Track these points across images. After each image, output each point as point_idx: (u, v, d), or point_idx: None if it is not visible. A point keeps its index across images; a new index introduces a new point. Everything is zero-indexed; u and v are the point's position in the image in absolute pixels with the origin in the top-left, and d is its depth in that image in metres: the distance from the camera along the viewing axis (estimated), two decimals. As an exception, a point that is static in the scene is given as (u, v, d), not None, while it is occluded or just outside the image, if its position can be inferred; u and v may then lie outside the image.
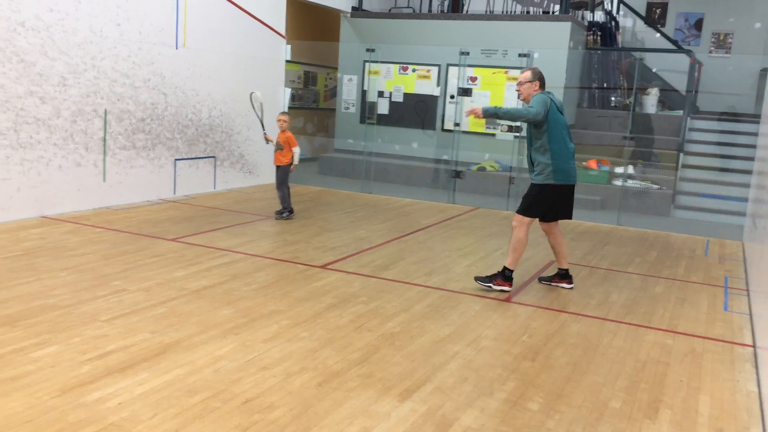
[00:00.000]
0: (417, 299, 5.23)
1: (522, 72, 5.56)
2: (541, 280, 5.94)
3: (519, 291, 5.66)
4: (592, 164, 10.87)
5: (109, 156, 7.96)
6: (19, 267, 5.34)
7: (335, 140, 13.08)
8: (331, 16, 13.13)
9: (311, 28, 13.65)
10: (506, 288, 5.54)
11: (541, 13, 12.61)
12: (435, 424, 3.24)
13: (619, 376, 3.99)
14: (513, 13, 12.81)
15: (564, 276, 5.83)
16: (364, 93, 12.55)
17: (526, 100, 5.50)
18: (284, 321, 4.52)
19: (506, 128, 11.47)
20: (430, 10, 13.49)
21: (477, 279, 5.65)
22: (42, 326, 4.13)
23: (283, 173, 7.99)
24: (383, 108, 12.45)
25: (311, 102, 14.57)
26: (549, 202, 5.52)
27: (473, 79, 11.61)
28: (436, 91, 12.10)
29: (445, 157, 11.67)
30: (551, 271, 6.12)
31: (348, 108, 12.89)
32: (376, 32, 12.50)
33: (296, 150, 8.01)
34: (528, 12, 12.78)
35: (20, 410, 3.09)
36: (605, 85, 12.59)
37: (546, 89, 5.53)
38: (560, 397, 3.63)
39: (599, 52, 12.43)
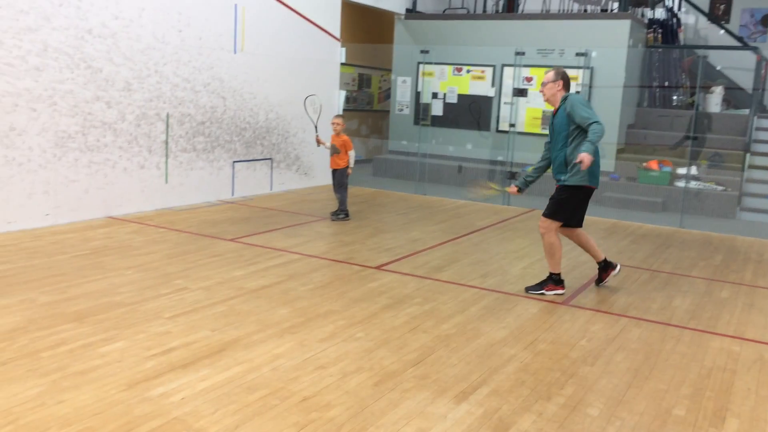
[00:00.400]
0: (472, 301, 5.20)
1: (546, 72, 5.41)
2: (598, 283, 5.81)
3: (577, 294, 5.56)
4: (653, 165, 10.59)
5: (171, 158, 8.19)
6: (87, 265, 5.54)
7: (389, 142, 13.12)
8: (385, 18, 13.18)
9: (365, 31, 13.73)
10: (559, 291, 5.46)
11: (599, 11, 12.36)
12: (492, 427, 3.22)
13: (683, 383, 3.87)
14: (570, 11, 12.61)
15: (605, 267, 5.68)
16: (418, 94, 12.56)
17: (550, 101, 5.36)
18: (340, 321, 4.57)
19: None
20: (484, 10, 13.40)
21: (528, 289, 5.52)
22: (109, 322, 4.28)
23: (340, 176, 8.03)
24: (437, 109, 12.43)
25: (365, 104, 14.65)
26: (578, 205, 5.39)
27: (528, 79, 11.47)
28: (490, 92, 12.00)
29: (500, 158, 11.56)
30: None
31: (402, 110, 12.91)
32: (430, 34, 12.49)
33: (352, 153, 8.00)
34: (586, 10, 12.55)
35: (89, 403, 3.21)
36: (666, 83, 12.25)
37: (589, 87, 5.32)
38: (621, 403, 3.55)
39: (660, 50, 12.11)
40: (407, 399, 3.45)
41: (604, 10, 12.29)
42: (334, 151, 7.97)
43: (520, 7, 13.06)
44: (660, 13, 12.52)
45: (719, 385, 3.87)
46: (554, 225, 5.38)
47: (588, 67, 10.91)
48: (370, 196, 10.23)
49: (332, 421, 3.17)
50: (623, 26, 10.87)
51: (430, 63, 12.14)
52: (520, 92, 11.37)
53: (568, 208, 5.36)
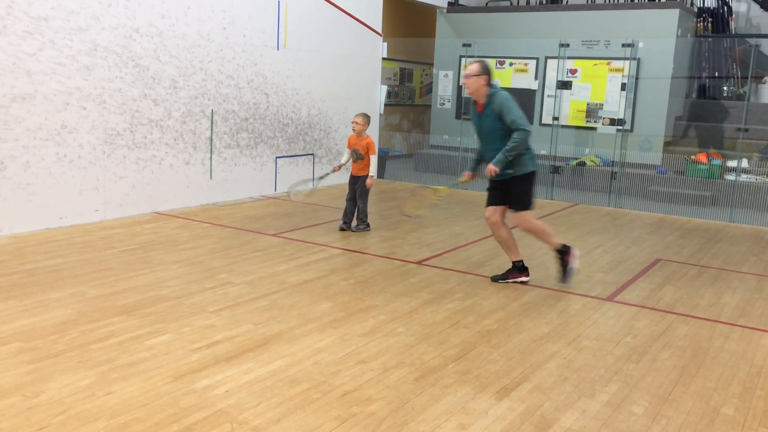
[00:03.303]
0: (514, 297, 5.16)
1: (468, 64, 5.30)
2: (495, 279, 5.56)
3: (622, 290, 5.46)
4: (702, 158, 10.31)
5: (215, 154, 8.32)
6: (135, 260, 5.68)
7: (431, 136, 13.08)
8: (427, 12, 13.13)
9: (407, 25, 13.69)
10: (575, 265, 5.42)
11: (646, 0, 12.08)
12: (534, 424, 3.19)
13: (732, 381, 3.77)
14: (616, 1, 12.34)
15: (522, 269, 5.53)
16: (460, 88, 12.47)
17: (474, 95, 5.23)
18: (381, 316, 4.58)
19: (608, 121, 11.08)
20: (528, 2, 13.22)
21: (561, 280, 5.46)
22: (156, 316, 4.38)
23: (363, 184, 7.03)
24: (479, 103, 12.32)
25: (407, 99, 14.62)
26: (532, 189, 5.38)
27: (573, 71, 11.29)
28: (534, 85, 11.85)
29: (543, 151, 11.40)
30: (624, 269, 5.86)
31: (443, 104, 12.85)
32: (472, 27, 12.39)
33: (374, 159, 7.05)
34: (632, 0, 12.28)
35: (137, 394, 3.30)
36: (717, 74, 11.90)
37: (493, 83, 5.26)
38: (667, 402, 3.48)
39: (710, 39, 11.76)
40: (448, 394, 3.45)
41: (651, 0, 12.01)
42: (357, 156, 7.02)
43: (564, -2, 12.85)
44: (710, 2, 12.16)
45: (771, 384, 3.75)
46: (530, 215, 5.36)
47: (635, 58, 10.67)
48: (411, 191, 10.21)
49: (373, 416, 3.19)
50: (672, 15, 10.60)
51: (473, 56, 12.03)
52: (564, 85, 11.19)
53: (530, 193, 5.37)
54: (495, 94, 5.17)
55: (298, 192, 7.72)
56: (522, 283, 5.50)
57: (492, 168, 5.14)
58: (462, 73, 12.33)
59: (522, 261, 5.54)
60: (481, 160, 5.52)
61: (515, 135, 5.06)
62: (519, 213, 5.36)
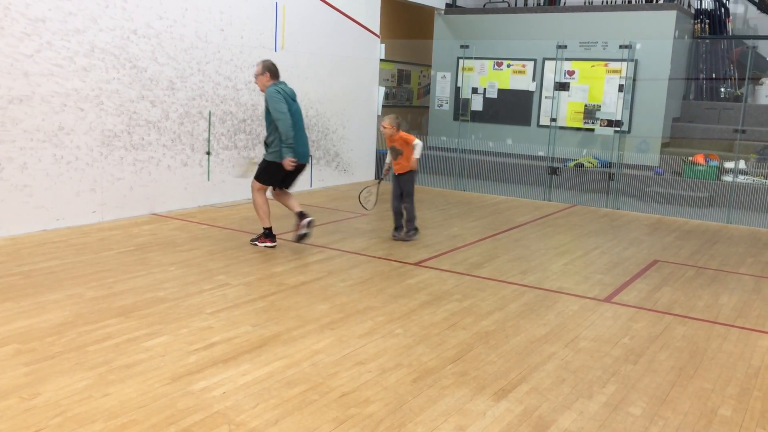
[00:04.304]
0: (512, 298, 5.16)
1: (256, 65, 6.23)
2: (252, 241, 6.47)
3: (619, 291, 5.46)
4: (700, 159, 10.32)
5: (213, 156, 8.32)
6: (132, 261, 5.68)
7: (428, 138, 13.07)
8: (425, 13, 13.14)
9: (405, 27, 13.70)
10: (269, 244, 6.32)
11: (643, 1, 12.09)
12: (531, 425, 3.19)
13: (729, 382, 3.78)
14: (613, 3, 12.36)
15: (269, 235, 6.37)
16: (457, 90, 12.49)
17: (263, 90, 6.14)
18: (379, 317, 4.58)
19: (606, 122, 11.09)
20: (525, 4, 13.24)
21: (251, 241, 6.46)
22: (153, 317, 4.37)
23: (406, 183, 6.71)
24: (477, 104, 12.34)
25: (405, 100, 14.62)
26: (280, 175, 6.26)
27: (570, 73, 11.30)
28: (531, 86, 11.86)
29: (540, 153, 11.42)
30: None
31: (441, 105, 12.86)
32: (470, 28, 12.40)
33: (417, 144, 6.66)
34: (630, 1, 12.29)
35: (134, 396, 3.29)
36: (714, 75, 11.92)
37: (279, 79, 6.16)
38: (665, 403, 3.49)
39: (707, 40, 11.78)
40: (446, 396, 3.45)
41: (648, 1, 12.02)
42: (397, 153, 6.72)
43: (562, 0, 12.86)
44: (707, 3, 12.18)
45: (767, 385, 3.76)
46: (257, 186, 6.29)
47: (632, 60, 10.69)
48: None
49: (371, 417, 3.18)
50: (669, 17, 10.62)
51: (470, 58, 12.05)
52: (562, 86, 11.21)
53: (271, 176, 6.27)
54: (268, 89, 6.11)
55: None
56: (267, 247, 6.31)
57: (286, 161, 6.10)
58: (459, 74, 12.36)
59: (271, 228, 6.38)
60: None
61: (278, 126, 6.05)
62: (254, 180, 6.33)
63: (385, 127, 6.68)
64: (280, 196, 6.51)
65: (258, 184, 6.31)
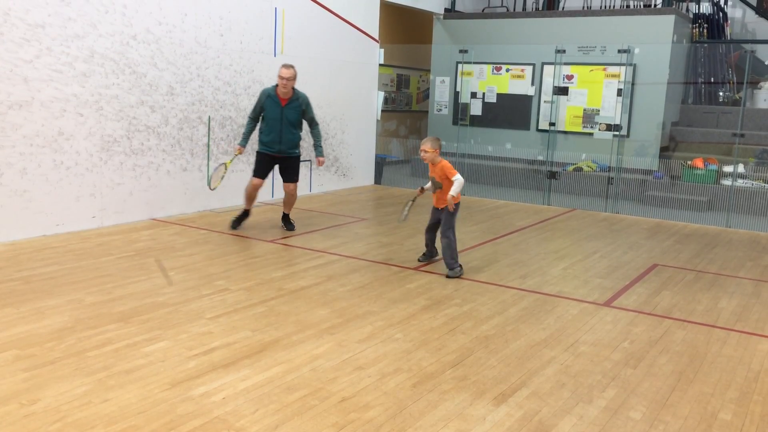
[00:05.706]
0: (511, 302, 5.16)
1: (287, 69, 6.85)
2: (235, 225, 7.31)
3: (619, 295, 5.47)
4: (698, 163, 10.34)
5: (213, 161, 8.32)
6: (132, 266, 5.68)
7: (428, 142, 13.06)
8: (424, 18, 13.16)
9: (404, 31, 13.73)
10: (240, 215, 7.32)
11: (642, 6, 12.13)
12: (531, 429, 3.19)
13: (729, 386, 3.78)
14: (612, 7, 12.40)
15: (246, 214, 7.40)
16: (456, 94, 12.50)
17: (288, 93, 6.95)
18: (378, 322, 4.58)
19: (604, 127, 11.11)
20: (524, 9, 13.27)
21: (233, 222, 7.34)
22: (153, 323, 4.37)
23: (447, 216, 5.84)
24: (476, 109, 12.36)
25: (404, 105, 14.65)
26: (262, 165, 7.30)
27: (569, 77, 11.32)
28: (530, 91, 11.88)
29: (540, 157, 11.43)
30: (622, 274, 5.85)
31: (440, 110, 12.87)
32: (469, 33, 12.43)
33: (457, 179, 5.72)
34: (628, 6, 12.33)
35: (134, 401, 3.29)
36: (712, 79, 11.94)
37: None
38: (665, 407, 3.48)
39: (705, 45, 11.81)
40: (446, 400, 3.45)
41: (647, 6, 12.06)
42: (435, 185, 5.90)
43: (561, 4, 12.89)
44: (705, 8, 12.21)
45: (767, 388, 3.76)
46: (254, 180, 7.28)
47: (630, 64, 10.71)
48: (408, 197, 10.20)
49: (371, 422, 3.18)
50: (667, 21, 10.65)
51: (469, 62, 12.08)
52: (561, 90, 11.22)
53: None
54: (303, 95, 7.08)
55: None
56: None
57: (319, 159, 7.38)
58: (458, 78, 12.38)
59: (248, 211, 7.35)
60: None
61: (318, 128, 7.33)
62: (296, 182, 7.35)
63: (426, 151, 5.78)
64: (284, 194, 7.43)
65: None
